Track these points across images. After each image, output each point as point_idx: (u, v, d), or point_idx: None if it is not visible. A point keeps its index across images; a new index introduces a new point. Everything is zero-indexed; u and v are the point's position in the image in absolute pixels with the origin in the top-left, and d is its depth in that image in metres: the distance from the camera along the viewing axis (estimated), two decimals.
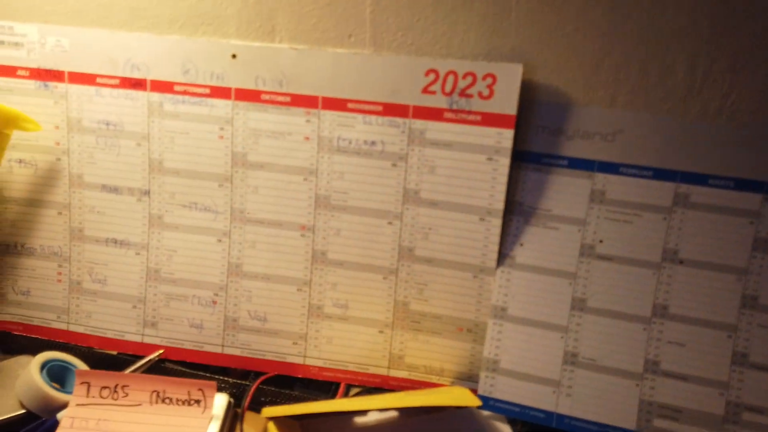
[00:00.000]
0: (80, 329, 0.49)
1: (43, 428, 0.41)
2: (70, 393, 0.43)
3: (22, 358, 0.48)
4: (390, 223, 0.43)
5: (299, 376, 0.46)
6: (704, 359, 0.38)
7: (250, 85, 0.43)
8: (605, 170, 0.39)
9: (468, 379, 0.44)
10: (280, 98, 0.43)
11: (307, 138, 0.43)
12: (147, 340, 0.48)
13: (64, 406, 0.42)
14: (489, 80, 0.40)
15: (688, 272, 0.38)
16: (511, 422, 0.41)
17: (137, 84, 0.45)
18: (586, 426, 0.40)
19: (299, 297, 0.46)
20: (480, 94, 0.40)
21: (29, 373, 0.44)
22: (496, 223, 0.42)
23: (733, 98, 0.37)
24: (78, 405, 0.42)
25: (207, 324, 0.47)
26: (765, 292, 0.37)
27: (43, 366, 0.45)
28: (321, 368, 0.46)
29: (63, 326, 0.49)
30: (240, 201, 0.45)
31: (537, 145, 0.40)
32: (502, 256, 0.42)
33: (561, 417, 0.40)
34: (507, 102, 0.40)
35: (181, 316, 0.47)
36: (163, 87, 0.44)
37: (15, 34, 0.45)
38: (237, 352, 0.47)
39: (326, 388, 0.46)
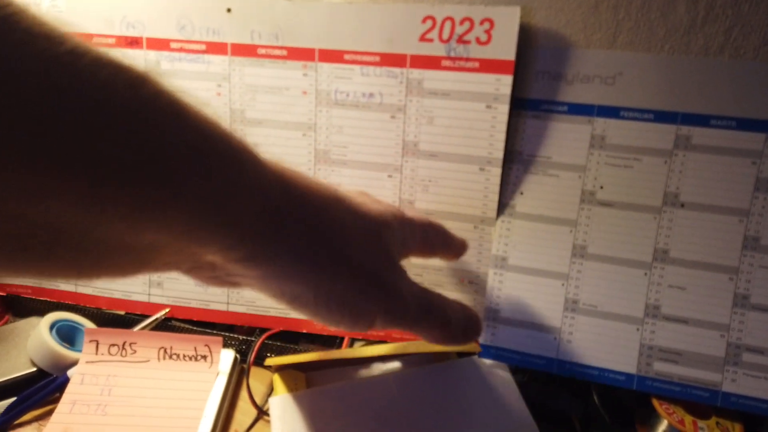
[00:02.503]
0: (88, 291, 0.50)
1: (54, 384, 0.42)
2: (79, 351, 0.44)
3: (33, 320, 0.49)
4: (390, 176, 0.43)
5: (303, 331, 0.47)
6: (705, 302, 0.38)
7: (246, 40, 0.43)
8: (605, 114, 0.39)
9: None
10: (277, 52, 0.43)
11: (305, 92, 0.43)
12: (153, 299, 0.48)
13: (74, 363, 0.43)
14: (486, 25, 0.39)
15: (689, 215, 0.38)
16: (513, 369, 0.41)
17: (133, 42, 0.44)
18: (587, 371, 0.40)
19: None
20: (478, 40, 0.39)
21: (39, 332, 0.44)
22: (496, 172, 0.41)
23: (735, 34, 0.36)
24: (87, 362, 0.43)
25: None
26: (767, 233, 0.37)
27: (52, 326, 0.46)
28: None
29: (71, 288, 0.50)
30: None
31: (536, 91, 0.40)
32: (502, 206, 0.42)
33: (562, 363, 0.40)
34: (505, 47, 0.39)
35: None
36: (160, 44, 0.44)
37: None
38: (242, 309, 0.47)
39: (330, 342, 0.47)
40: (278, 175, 0.24)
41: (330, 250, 0.25)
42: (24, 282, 0.51)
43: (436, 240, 0.36)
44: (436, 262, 0.44)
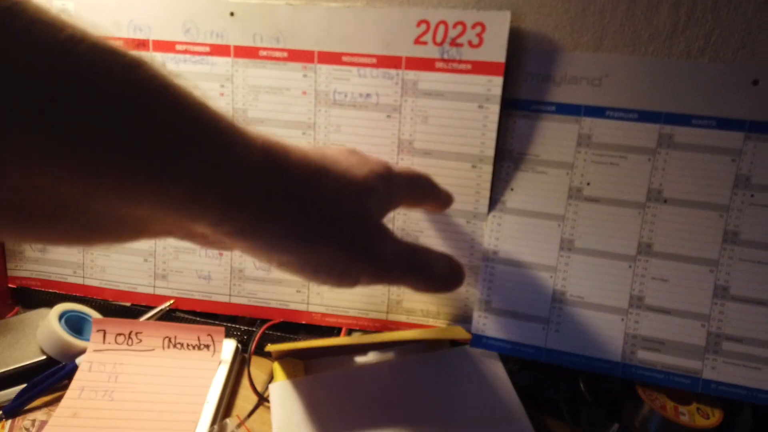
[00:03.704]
0: (95, 283, 0.51)
1: (63, 372, 0.44)
2: (87, 340, 0.46)
3: (42, 311, 0.51)
4: None
5: (303, 322, 0.48)
6: (687, 293, 0.40)
7: (248, 42, 0.45)
8: (592, 114, 0.41)
9: (463, 321, 0.46)
10: (278, 54, 0.45)
11: (305, 92, 0.45)
12: (158, 291, 0.50)
13: (82, 351, 0.45)
14: (478, 29, 0.41)
15: (671, 211, 0.40)
16: (503, 358, 0.43)
17: (141, 44, 0.46)
18: (574, 359, 0.41)
19: None
20: (470, 43, 0.41)
21: (48, 321, 0.46)
22: (488, 169, 0.43)
23: (715, 37, 0.38)
24: (95, 350, 0.45)
25: (214, 275, 0.49)
26: (746, 227, 0.39)
27: (61, 316, 0.47)
28: (323, 314, 0.48)
29: (79, 280, 0.52)
30: None
31: (526, 92, 0.42)
32: (494, 202, 0.43)
33: (550, 351, 0.42)
34: (496, 49, 0.41)
35: (190, 268, 0.50)
36: (166, 47, 0.46)
37: None
38: (244, 301, 0.49)
39: (329, 333, 0.48)
40: (265, 151, 0.24)
41: (315, 224, 0.26)
42: (33, 275, 0.52)
43: (422, 191, 0.37)
44: None
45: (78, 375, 0.43)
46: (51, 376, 0.44)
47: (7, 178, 0.18)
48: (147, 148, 0.19)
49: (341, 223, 0.27)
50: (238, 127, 0.23)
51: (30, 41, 0.16)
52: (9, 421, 0.41)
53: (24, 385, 0.43)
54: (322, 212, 0.26)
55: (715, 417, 0.38)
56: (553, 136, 0.42)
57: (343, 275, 0.28)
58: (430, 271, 0.32)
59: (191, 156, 0.21)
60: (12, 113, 0.16)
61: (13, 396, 0.42)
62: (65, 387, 0.43)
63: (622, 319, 0.41)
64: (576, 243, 0.42)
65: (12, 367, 0.45)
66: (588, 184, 0.41)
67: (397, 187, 0.32)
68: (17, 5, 0.16)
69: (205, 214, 0.22)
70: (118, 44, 0.19)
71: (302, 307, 0.48)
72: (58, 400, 0.42)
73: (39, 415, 0.42)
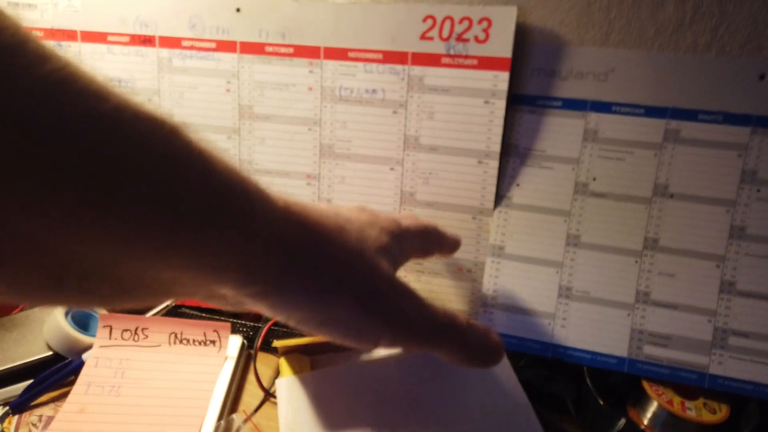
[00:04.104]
0: None
1: (70, 367, 0.44)
2: (93, 336, 0.46)
3: (48, 308, 0.51)
4: (392, 169, 0.45)
5: None
6: (693, 288, 0.40)
7: (254, 38, 0.45)
8: (598, 109, 0.41)
9: (469, 316, 0.46)
10: (284, 50, 0.45)
11: (311, 88, 0.45)
12: None
13: (88, 347, 0.45)
14: (484, 24, 0.41)
15: (678, 206, 0.40)
16: (509, 354, 0.43)
17: (146, 41, 0.46)
18: (580, 354, 0.42)
19: None
20: (476, 38, 0.41)
21: (55, 318, 0.46)
22: (494, 165, 0.43)
23: (722, 31, 0.38)
24: (101, 346, 0.45)
25: None
26: (752, 222, 0.39)
27: (67, 312, 0.48)
28: None
29: None
30: (248, 152, 0.47)
31: (532, 87, 0.42)
32: (500, 197, 0.43)
33: (556, 347, 0.42)
34: (502, 45, 0.41)
35: None
36: (171, 43, 0.46)
37: None
38: None
39: None
40: (288, 213, 0.25)
41: (334, 282, 0.26)
42: None
43: (431, 243, 0.37)
44: None
45: (84, 371, 0.43)
46: (58, 372, 0.44)
47: (39, 247, 0.18)
48: (178, 216, 0.20)
49: (360, 280, 0.27)
50: (262, 188, 0.24)
51: (79, 112, 0.17)
52: (16, 417, 0.41)
53: (31, 381, 0.43)
54: (342, 270, 0.26)
55: (722, 412, 0.38)
56: (559, 132, 0.41)
57: (362, 335, 0.28)
58: (462, 342, 0.30)
59: (223, 219, 0.21)
60: (57, 182, 0.16)
61: (20, 392, 0.43)
62: (72, 383, 0.43)
63: (629, 315, 0.41)
64: (582, 238, 0.42)
65: (19, 363, 0.45)
66: (594, 179, 0.41)
67: (407, 243, 0.32)
68: (70, 77, 0.16)
69: (232, 275, 0.23)
70: (156, 111, 0.19)
71: None
72: (64, 395, 0.42)
73: (46, 411, 0.42)
